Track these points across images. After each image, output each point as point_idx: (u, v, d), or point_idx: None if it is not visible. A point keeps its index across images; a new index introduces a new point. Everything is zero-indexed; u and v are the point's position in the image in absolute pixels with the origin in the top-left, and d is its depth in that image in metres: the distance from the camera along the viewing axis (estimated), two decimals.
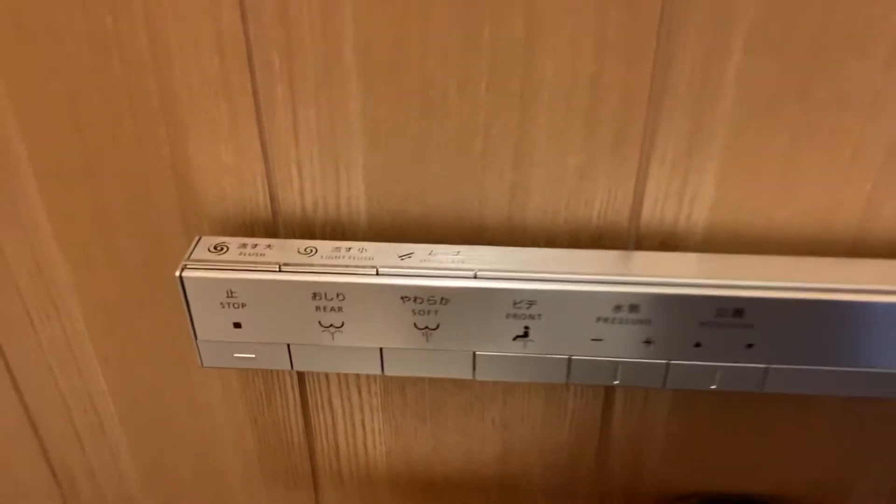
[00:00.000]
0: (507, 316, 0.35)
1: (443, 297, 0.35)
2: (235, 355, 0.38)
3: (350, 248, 0.37)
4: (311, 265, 0.36)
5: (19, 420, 0.50)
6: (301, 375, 0.45)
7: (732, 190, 0.36)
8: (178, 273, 0.36)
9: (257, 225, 0.39)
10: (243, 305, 0.36)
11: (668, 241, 0.38)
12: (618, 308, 0.35)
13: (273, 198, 0.38)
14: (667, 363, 0.36)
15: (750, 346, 0.35)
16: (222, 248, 0.37)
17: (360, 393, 0.45)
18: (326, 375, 0.45)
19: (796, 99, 0.33)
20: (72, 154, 0.38)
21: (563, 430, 0.45)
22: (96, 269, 0.42)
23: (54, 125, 0.37)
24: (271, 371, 0.45)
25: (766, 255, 0.35)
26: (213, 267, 0.36)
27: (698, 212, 0.37)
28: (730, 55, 0.32)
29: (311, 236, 0.39)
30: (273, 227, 0.39)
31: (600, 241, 0.38)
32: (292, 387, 0.46)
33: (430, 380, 0.44)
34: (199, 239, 0.37)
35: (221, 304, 0.36)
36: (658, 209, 0.37)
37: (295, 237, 0.39)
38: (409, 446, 0.47)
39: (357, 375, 0.44)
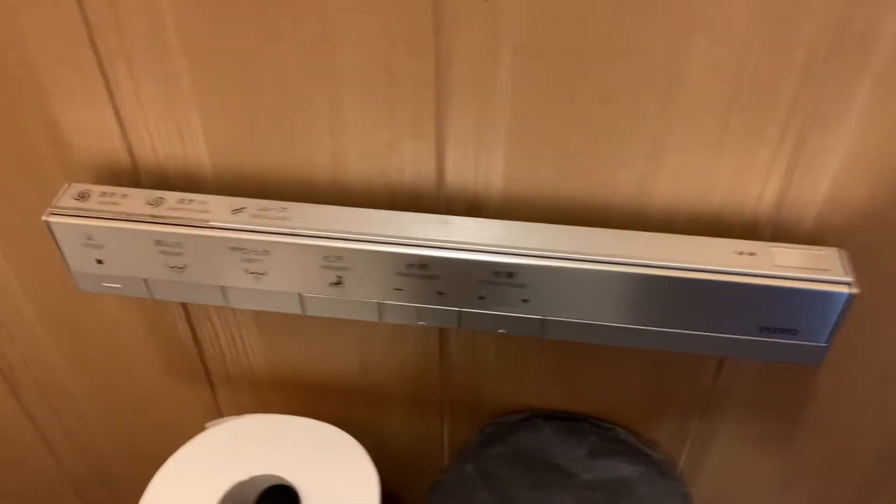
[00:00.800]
0: (321, 267, 0.42)
1: (264, 249, 0.41)
2: (104, 284, 0.45)
3: (192, 201, 0.42)
4: (154, 216, 0.42)
5: None
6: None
7: (519, 167, 0.41)
8: (44, 218, 0.42)
9: (122, 174, 0.45)
10: (102, 246, 0.43)
11: (473, 206, 0.43)
12: (410, 266, 0.41)
13: (131, 153, 0.44)
14: (458, 311, 0.43)
15: (525, 300, 0.41)
16: (85, 196, 0.43)
17: (233, 312, 0.52)
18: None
19: (567, 96, 0.37)
20: None
21: (409, 348, 0.52)
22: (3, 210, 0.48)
23: None
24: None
25: (544, 224, 0.41)
26: (73, 214, 0.42)
27: (493, 183, 0.42)
28: (500, 57, 0.36)
29: (166, 185, 0.45)
30: (135, 175, 0.45)
31: (416, 202, 0.43)
32: (178, 302, 0.53)
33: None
34: (68, 186, 0.43)
35: (83, 244, 0.43)
36: (460, 179, 0.42)
37: (154, 185, 0.45)
38: (284, 357, 0.55)
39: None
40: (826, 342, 0.40)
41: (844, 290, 0.38)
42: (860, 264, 0.41)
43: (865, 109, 0.35)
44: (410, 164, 0.41)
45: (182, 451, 0.52)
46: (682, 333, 0.41)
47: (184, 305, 0.53)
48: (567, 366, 0.51)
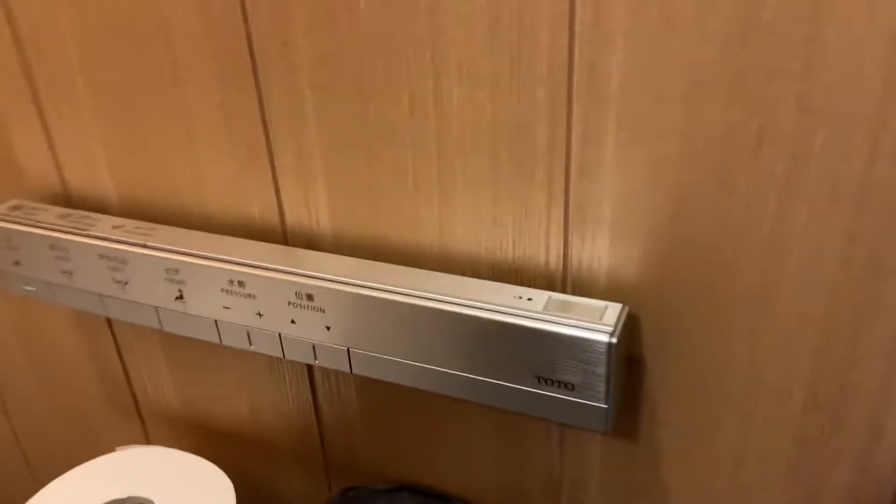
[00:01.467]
0: (165, 279, 0.47)
1: (123, 259, 0.47)
2: (23, 287, 0.53)
3: (89, 218, 0.50)
4: (54, 225, 0.49)
5: None
6: (110, 320, 0.59)
7: (340, 204, 0.44)
8: None
9: (57, 197, 0.54)
10: (17, 248, 0.51)
11: (311, 242, 0.47)
12: (231, 282, 0.45)
13: (62, 179, 0.53)
14: (278, 333, 0.45)
15: (328, 327, 0.43)
16: (17, 208, 0.52)
17: (147, 343, 0.58)
18: (129, 323, 0.58)
19: (360, 135, 0.41)
20: None
21: (286, 398, 0.55)
22: None
23: None
24: (91, 317, 0.59)
25: (351, 258, 0.44)
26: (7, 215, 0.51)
27: (323, 219, 0.45)
28: (304, 94, 0.42)
29: (84, 208, 0.53)
30: (66, 198, 0.54)
31: (263, 236, 0.48)
32: (109, 329, 0.59)
33: (191, 343, 0.56)
34: (13, 202, 0.53)
35: (5, 246, 0.51)
36: (295, 214, 0.46)
37: (78, 206, 0.53)
38: (189, 396, 0.59)
39: (142, 327, 0.57)
40: (606, 403, 0.38)
41: (604, 338, 0.37)
42: (653, 328, 0.39)
43: (617, 154, 0.36)
44: (257, 196, 0.47)
45: (76, 469, 0.56)
46: (464, 377, 0.41)
47: (112, 333, 0.59)
48: (428, 438, 0.51)
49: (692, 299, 0.38)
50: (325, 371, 0.52)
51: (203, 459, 0.56)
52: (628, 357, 0.41)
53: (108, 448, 0.61)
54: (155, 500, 0.53)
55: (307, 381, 0.53)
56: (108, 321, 0.59)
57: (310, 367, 0.53)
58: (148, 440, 0.64)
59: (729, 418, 0.41)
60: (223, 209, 0.48)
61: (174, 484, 0.54)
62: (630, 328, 0.40)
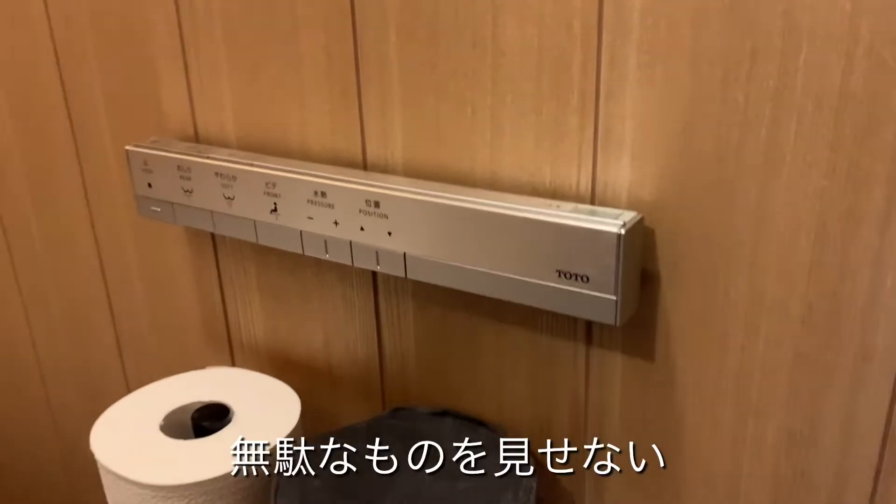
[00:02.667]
0: (264, 193, 0.56)
1: (232, 175, 0.57)
2: (151, 209, 0.64)
3: (209, 148, 0.61)
4: (183, 151, 0.60)
5: None
6: (216, 249, 0.68)
7: (412, 137, 0.53)
8: (126, 147, 0.63)
9: (189, 136, 0.65)
10: (151, 171, 0.62)
11: (386, 170, 0.55)
12: (315, 193, 0.53)
13: (195, 122, 0.64)
14: (349, 241, 0.53)
15: (390, 233, 0.51)
16: (156, 142, 0.63)
17: (244, 277, 0.67)
18: (231, 259, 0.68)
19: (433, 69, 0.50)
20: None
21: (355, 330, 0.62)
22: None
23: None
24: (201, 251, 0.69)
25: (413, 178, 0.52)
26: (139, 147, 0.62)
27: (397, 151, 0.54)
28: (389, 38, 0.51)
29: (209, 143, 0.64)
30: (195, 137, 0.65)
31: (350, 163, 0.57)
32: (215, 265, 0.69)
33: (281, 279, 0.65)
34: (153, 138, 0.65)
35: (142, 169, 0.63)
36: (375, 146, 0.55)
37: (204, 142, 0.64)
38: (276, 327, 0.68)
39: (243, 265, 0.67)
40: (615, 294, 0.44)
41: (614, 230, 0.43)
42: (666, 243, 0.45)
43: (638, 75, 0.43)
44: (345, 131, 0.56)
45: (170, 378, 0.66)
46: (499, 276, 0.47)
47: (217, 269, 0.69)
48: (470, 370, 0.57)
49: (700, 214, 0.44)
50: (389, 303, 0.59)
51: (277, 380, 0.64)
52: (644, 271, 0.47)
53: (198, 367, 0.70)
54: (232, 406, 0.61)
55: (373, 312, 0.61)
56: (216, 259, 0.69)
57: (376, 299, 0.60)
58: (234, 365, 0.73)
59: (735, 333, 0.45)
60: (319, 144, 0.58)
61: (249, 396, 0.62)
62: (645, 240, 0.46)
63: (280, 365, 0.69)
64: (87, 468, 0.59)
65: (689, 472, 0.50)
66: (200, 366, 0.71)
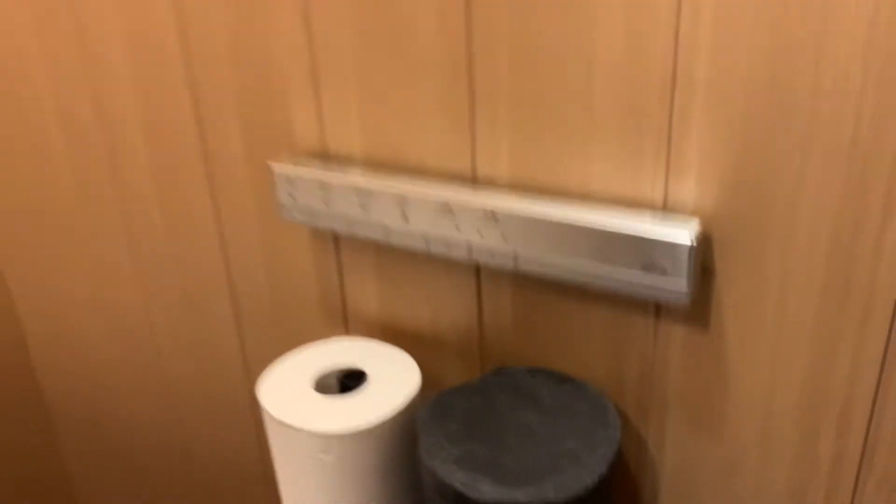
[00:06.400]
0: (394, 203, 0.72)
1: (370, 191, 0.72)
2: (294, 214, 0.79)
3: (345, 167, 0.76)
4: (322, 170, 0.75)
5: None
6: (337, 243, 0.84)
7: (518, 159, 0.68)
8: (269, 163, 0.78)
9: (317, 153, 0.80)
10: (293, 185, 0.77)
11: (492, 181, 0.70)
12: (440, 205, 0.69)
13: (323, 141, 0.79)
14: (469, 243, 0.69)
15: (504, 236, 0.67)
16: (295, 160, 0.78)
17: (361, 263, 0.83)
18: (350, 249, 0.83)
19: (539, 95, 0.65)
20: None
21: (459, 307, 0.78)
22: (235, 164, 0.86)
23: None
24: (322, 242, 0.85)
25: (522, 192, 0.67)
26: (283, 163, 0.77)
27: (503, 167, 0.69)
28: (499, 71, 0.66)
29: (338, 161, 0.79)
30: (325, 154, 0.80)
31: (461, 177, 0.72)
32: (335, 250, 0.85)
33: (396, 263, 0.80)
34: (289, 155, 0.79)
35: (284, 182, 0.78)
36: (483, 163, 0.70)
37: (334, 160, 0.79)
38: (389, 305, 0.84)
39: (362, 250, 0.82)
40: (686, 285, 0.60)
41: (686, 238, 0.58)
42: (720, 245, 0.61)
43: (700, 120, 0.59)
44: (457, 152, 0.71)
45: (305, 347, 0.82)
46: (597, 268, 0.63)
47: (337, 254, 0.85)
48: (558, 334, 0.73)
49: (746, 224, 0.60)
50: (489, 283, 0.75)
51: (395, 347, 0.80)
52: (703, 265, 0.63)
53: (315, 340, 0.86)
54: (366, 370, 0.77)
55: (475, 292, 0.77)
56: (336, 244, 0.84)
57: (478, 280, 0.76)
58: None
59: (769, 310, 0.62)
60: (435, 161, 0.73)
61: (377, 361, 0.78)
62: (704, 242, 0.62)
63: (389, 337, 0.85)
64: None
65: (731, 410, 0.67)
66: (314, 336, 0.87)
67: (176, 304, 1.04)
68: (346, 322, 0.88)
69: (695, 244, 0.59)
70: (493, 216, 0.67)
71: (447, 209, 0.69)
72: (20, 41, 0.94)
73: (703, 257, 0.63)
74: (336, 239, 0.83)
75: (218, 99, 0.84)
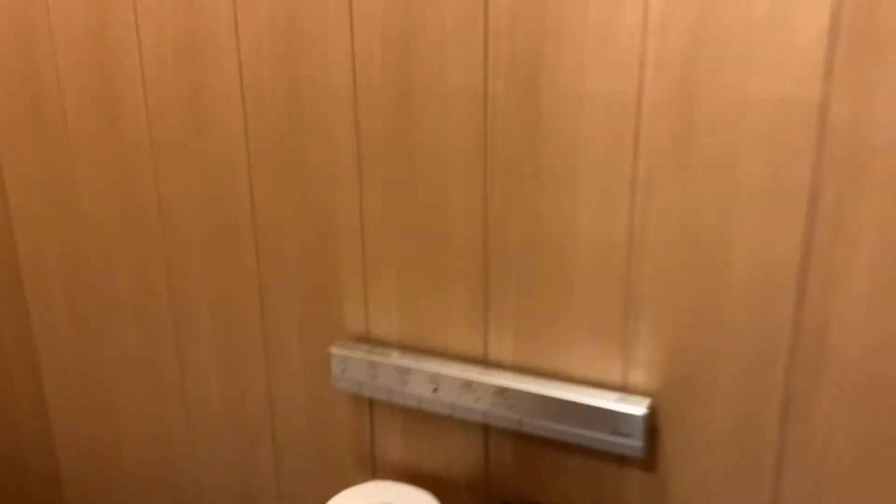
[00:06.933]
0: (428, 382, 0.97)
1: (408, 370, 0.98)
2: (342, 383, 1.04)
3: (385, 350, 1.01)
4: (367, 352, 1.01)
5: None
6: (371, 405, 1.08)
7: (522, 348, 0.95)
8: (330, 349, 1.03)
9: (362, 337, 1.06)
10: (345, 363, 1.02)
11: (500, 366, 0.97)
12: (463, 382, 0.95)
13: (367, 328, 1.05)
14: (485, 411, 0.95)
15: (511, 406, 0.93)
16: (345, 343, 1.04)
17: (390, 419, 1.07)
18: (381, 409, 1.07)
19: (545, 303, 0.93)
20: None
21: (468, 457, 1.03)
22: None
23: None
24: (359, 405, 1.09)
25: (522, 375, 0.94)
26: (338, 348, 1.03)
27: (508, 353, 0.96)
28: (509, 280, 0.94)
29: (379, 343, 1.04)
30: (367, 338, 1.05)
31: (475, 358, 0.98)
32: (369, 411, 1.09)
33: (421, 422, 1.05)
34: (344, 341, 1.05)
35: (340, 360, 1.03)
36: (494, 349, 0.97)
37: (375, 343, 1.05)
38: (410, 455, 1.08)
39: (391, 412, 1.07)
40: (642, 442, 0.87)
41: (641, 413, 0.86)
42: (664, 414, 0.88)
43: (648, 332, 0.87)
44: (470, 340, 0.98)
45: (348, 490, 1.05)
46: (575, 432, 0.90)
47: (370, 414, 1.09)
48: (544, 477, 0.99)
49: (680, 399, 0.87)
50: (495, 438, 1.01)
51: (419, 489, 1.04)
52: (652, 427, 0.90)
53: (347, 486, 1.09)
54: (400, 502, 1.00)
55: (483, 444, 1.02)
56: (370, 405, 1.09)
57: (486, 436, 1.01)
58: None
59: (699, 455, 0.89)
60: (457, 345, 0.99)
61: (404, 499, 1.02)
62: (653, 413, 0.89)
63: (412, 481, 1.09)
64: None
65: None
66: (347, 483, 1.10)
67: (222, 452, 1.25)
68: (374, 470, 1.12)
69: (647, 415, 0.86)
70: (502, 392, 0.93)
71: (468, 385, 0.95)
72: (108, 230, 1.20)
73: (652, 422, 0.90)
74: (371, 402, 1.08)
75: (282, 292, 1.09)
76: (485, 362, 0.99)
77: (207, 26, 1.02)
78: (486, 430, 1.01)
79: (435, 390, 0.98)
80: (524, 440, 0.99)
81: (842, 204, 0.75)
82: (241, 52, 1.00)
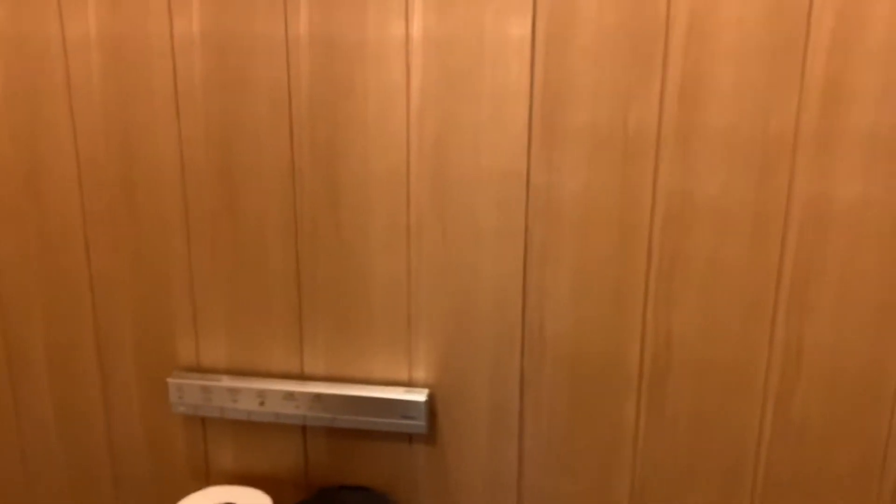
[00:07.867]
0: (256, 396, 1.20)
1: (238, 389, 1.21)
2: (179, 406, 1.23)
3: (216, 376, 1.23)
4: (199, 378, 1.22)
5: None
6: (204, 421, 1.28)
7: (332, 362, 1.22)
8: (168, 379, 1.23)
9: (194, 366, 1.26)
10: (182, 390, 1.22)
11: (314, 377, 1.23)
12: (286, 394, 1.20)
13: (198, 358, 1.26)
14: (304, 415, 1.20)
15: (325, 408, 1.19)
16: (180, 374, 1.24)
17: (224, 430, 1.28)
18: (217, 422, 1.28)
19: (339, 321, 1.20)
20: None
21: (289, 455, 1.27)
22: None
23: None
24: (193, 423, 1.28)
25: (334, 381, 1.21)
26: (173, 378, 1.22)
27: (320, 366, 1.22)
28: (320, 322, 1.21)
29: (211, 370, 1.25)
30: (199, 366, 1.26)
31: (293, 373, 1.23)
32: (202, 426, 1.29)
33: (247, 427, 1.27)
34: (175, 371, 1.25)
35: (175, 389, 1.22)
36: (308, 367, 1.23)
37: (207, 370, 1.26)
38: (241, 457, 1.29)
39: (222, 425, 1.28)
40: (425, 422, 1.17)
41: (423, 399, 1.16)
42: (441, 400, 1.20)
43: (426, 342, 1.18)
44: (291, 358, 1.23)
45: (190, 496, 1.24)
46: (380, 419, 1.18)
47: (203, 428, 1.29)
48: (358, 462, 1.25)
49: (451, 390, 1.19)
50: (312, 436, 1.25)
51: (250, 487, 1.26)
52: (432, 411, 1.20)
53: (182, 493, 1.28)
54: (237, 502, 1.22)
55: (302, 442, 1.26)
56: (203, 423, 1.28)
57: (304, 435, 1.26)
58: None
59: (468, 431, 1.21)
60: (277, 366, 1.24)
61: (241, 496, 1.23)
62: (431, 400, 1.20)
63: (244, 483, 1.30)
64: None
65: (455, 491, 1.24)
66: (184, 492, 1.29)
67: (62, 488, 1.37)
68: (208, 479, 1.32)
69: (426, 401, 1.16)
70: (318, 397, 1.19)
71: (290, 395, 1.20)
72: None
73: (431, 406, 1.20)
74: (203, 420, 1.28)
75: (118, 335, 1.26)
76: (302, 376, 1.24)
77: (47, 117, 1.18)
78: (304, 430, 1.26)
79: (261, 403, 1.21)
80: (336, 434, 1.25)
81: (545, 240, 1.11)
82: (78, 137, 1.18)
